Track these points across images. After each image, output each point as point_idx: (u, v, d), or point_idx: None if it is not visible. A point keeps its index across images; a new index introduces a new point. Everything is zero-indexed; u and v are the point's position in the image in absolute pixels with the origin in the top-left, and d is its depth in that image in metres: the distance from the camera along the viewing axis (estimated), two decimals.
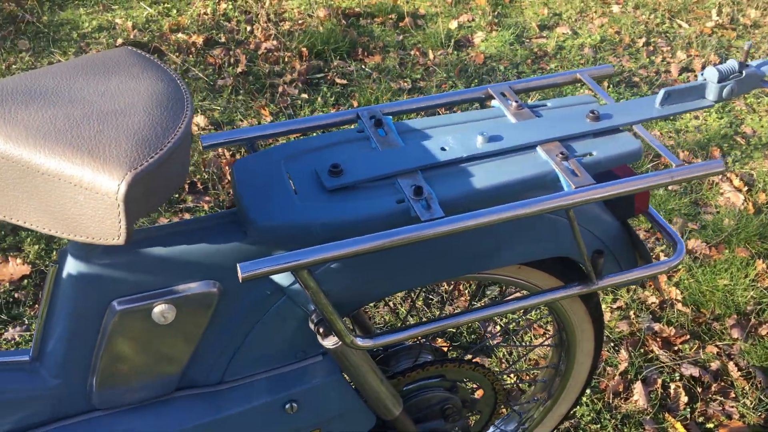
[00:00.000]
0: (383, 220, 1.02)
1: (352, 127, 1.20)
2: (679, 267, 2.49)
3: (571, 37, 3.83)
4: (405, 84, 3.33)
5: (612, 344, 2.25)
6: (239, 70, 3.24)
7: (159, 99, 0.88)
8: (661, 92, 1.19)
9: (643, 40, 3.83)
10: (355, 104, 3.12)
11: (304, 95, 3.17)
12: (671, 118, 2.49)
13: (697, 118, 3.27)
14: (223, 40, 3.46)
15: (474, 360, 1.45)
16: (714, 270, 2.49)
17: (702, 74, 1.22)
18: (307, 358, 1.16)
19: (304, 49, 3.41)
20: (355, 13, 3.86)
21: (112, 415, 1.09)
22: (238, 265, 0.90)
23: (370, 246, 0.95)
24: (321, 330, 1.09)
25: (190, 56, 3.30)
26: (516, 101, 1.21)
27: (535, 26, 3.89)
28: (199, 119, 2.92)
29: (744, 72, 1.20)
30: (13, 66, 3.06)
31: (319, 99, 3.13)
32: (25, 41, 3.25)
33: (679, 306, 2.38)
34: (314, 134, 1.28)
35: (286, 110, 3.06)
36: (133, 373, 1.06)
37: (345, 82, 3.29)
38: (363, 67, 3.42)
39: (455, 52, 3.61)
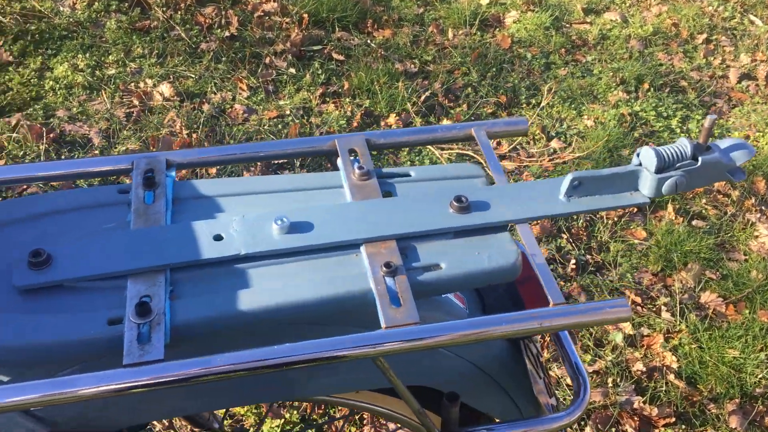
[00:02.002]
0: (83, 348, 0.69)
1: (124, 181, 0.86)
2: (675, 334, 2.06)
3: (620, 25, 3.32)
4: (412, 66, 2.93)
5: None
6: (227, 33, 2.91)
7: None
8: (568, 177, 0.80)
9: (704, 36, 3.29)
10: (346, 86, 2.75)
11: (292, 70, 2.81)
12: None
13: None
14: None
15: None
16: (725, 335, 2.06)
17: (637, 155, 0.82)
18: None
19: (305, 15, 3.04)
20: None
21: None
22: None
23: (23, 400, 0.62)
24: None
25: (178, 12, 2.98)
26: (361, 167, 0.85)
27: (580, 9, 3.39)
28: (165, 87, 2.62)
29: (700, 159, 0.80)
30: None
31: (308, 76, 2.78)
32: None
33: (672, 377, 1.97)
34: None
35: (266, 85, 2.72)
36: None
37: (342, 58, 2.91)
38: (369, 41, 3.03)
39: (479, 33, 3.17)
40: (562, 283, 2.18)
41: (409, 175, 0.87)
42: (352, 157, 0.87)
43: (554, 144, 2.65)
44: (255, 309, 0.71)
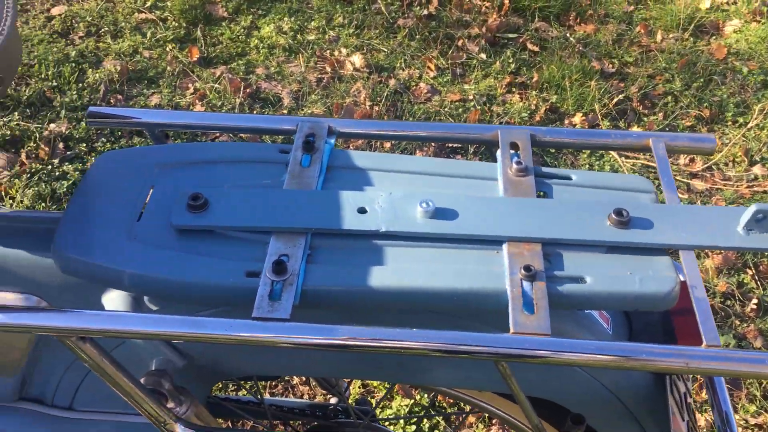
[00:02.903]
0: (221, 294, 0.72)
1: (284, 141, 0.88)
2: None
3: None
4: (610, 66, 2.77)
5: None
6: (425, 12, 2.93)
7: None
8: (752, 208, 0.71)
9: None
10: (535, 78, 2.66)
11: (483, 55, 2.77)
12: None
13: None
14: None
15: None
16: None
17: None
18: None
19: (506, 1, 2.97)
20: None
21: None
22: None
23: (155, 333, 0.67)
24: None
25: None
26: (519, 162, 0.80)
27: None
28: (357, 58, 2.69)
29: None
30: None
31: (498, 64, 2.72)
32: None
33: None
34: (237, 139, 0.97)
35: (454, 68, 2.71)
36: None
37: (537, 49, 2.82)
38: (568, 35, 2.91)
39: (691, 39, 2.93)
40: (737, 323, 1.97)
41: (570, 179, 0.81)
42: (512, 151, 0.83)
43: (757, 170, 2.40)
44: (386, 287, 0.70)
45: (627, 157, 2.43)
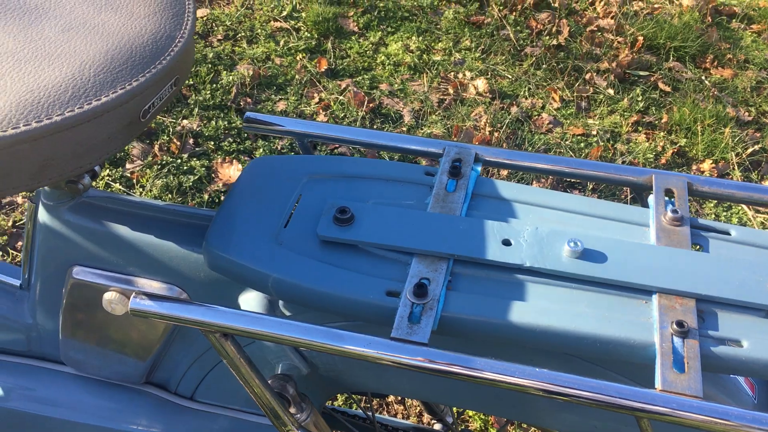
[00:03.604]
0: (359, 309, 0.72)
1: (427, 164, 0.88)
2: None
3: None
4: (746, 114, 2.64)
5: None
6: (554, 42, 2.89)
7: (116, 56, 0.70)
8: None
9: None
10: (664, 119, 2.57)
11: (611, 91, 2.70)
12: None
13: None
14: (555, 5, 3.10)
15: None
16: None
17: None
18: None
19: (640, 38, 2.89)
20: (731, 12, 3.16)
21: (75, 378, 1.01)
22: (131, 298, 0.71)
23: (296, 339, 0.68)
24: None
25: (513, 13, 3.03)
26: (675, 211, 0.77)
27: None
28: (480, 82, 2.68)
29: None
30: None
31: (625, 101, 2.65)
32: None
33: None
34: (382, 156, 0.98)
35: (579, 101, 2.65)
36: (93, 347, 0.95)
37: (669, 89, 2.72)
38: (703, 78, 2.79)
39: None
40: None
41: (729, 234, 0.77)
42: (666, 198, 0.80)
43: None
44: (526, 324, 0.68)
45: (757, 211, 2.30)
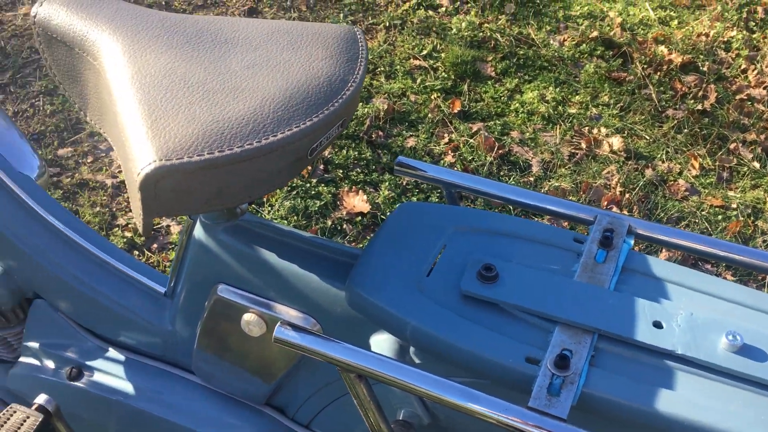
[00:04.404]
0: (495, 371, 0.71)
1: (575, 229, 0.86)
2: None
3: None
4: None
5: None
6: (699, 107, 2.78)
7: (294, 95, 0.74)
8: None
9: None
10: None
11: (756, 164, 2.56)
12: None
13: None
14: (704, 68, 2.99)
15: None
16: None
17: None
18: None
19: None
20: None
21: (201, 389, 1.05)
22: (277, 326, 0.73)
23: (433, 394, 0.68)
24: None
25: (657, 73, 2.95)
26: None
27: None
28: (616, 140, 2.61)
29: None
30: (488, 25, 3.15)
31: None
32: (511, 5, 3.31)
33: None
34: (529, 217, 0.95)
35: (721, 170, 2.53)
36: (224, 362, 0.99)
37: None
38: None
39: None
40: None
41: None
42: None
43: None
44: (673, 416, 0.65)
45: None
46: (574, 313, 0.73)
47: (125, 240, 2.14)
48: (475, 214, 0.86)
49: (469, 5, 3.29)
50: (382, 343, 0.85)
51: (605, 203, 2.38)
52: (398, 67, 2.94)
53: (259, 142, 0.69)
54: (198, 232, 0.92)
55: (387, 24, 3.13)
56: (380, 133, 2.63)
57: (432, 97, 2.80)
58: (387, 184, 2.39)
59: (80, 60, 0.81)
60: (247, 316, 0.90)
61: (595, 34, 3.13)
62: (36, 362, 1.14)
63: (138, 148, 0.67)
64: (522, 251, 0.81)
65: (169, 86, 0.73)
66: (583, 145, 2.62)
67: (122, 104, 0.72)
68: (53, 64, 0.84)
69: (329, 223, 2.26)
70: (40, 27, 0.82)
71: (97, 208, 2.23)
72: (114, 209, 2.24)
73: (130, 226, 2.18)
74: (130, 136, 0.69)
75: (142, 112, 0.70)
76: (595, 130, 2.70)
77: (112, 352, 1.10)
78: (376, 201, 2.34)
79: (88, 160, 2.39)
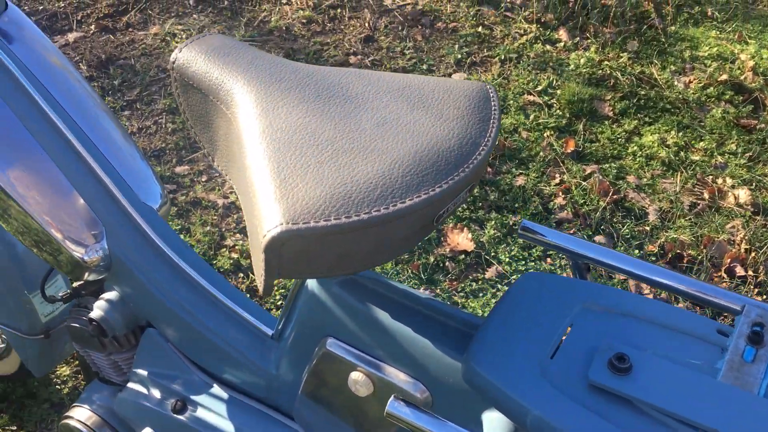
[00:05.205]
0: None
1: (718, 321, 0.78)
2: None
3: None
4: None
5: None
6: None
7: (423, 158, 0.70)
8: None
9: None
10: None
11: None
12: None
13: None
14: None
15: None
16: None
17: None
18: None
19: None
20: None
21: None
22: (390, 400, 0.70)
23: None
24: None
25: None
26: None
27: None
28: (742, 192, 2.45)
29: None
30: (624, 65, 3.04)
31: None
32: (634, 42, 3.19)
33: None
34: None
35: None
36: (326, 414, 0.97)
37: None
38: None
39: None
40: None
41: None
42: None
43: None
44: None
45: None
46: (719, 420, 0.65)
47: (231, 261, 2.18)
48: (606, 291, 0.80)
49: (588, 41, 3.19)
50: (494, 421, 0.80)
51: (728, 260, 2.22)
52: (511, 102, 2.88)
53: (387, 209, 0.66)
54: (311, 281, 0.91)
55: (502, 57, 3.08)
56: (489, 169, 2.57)
57: (545, 134, 2.72)
58: (493, 223, 2.34)
59: (213, 108, 0.81)
60: (355, 375, 0.87)
61: (724, 77, 2.96)
62: (143, 390, 1.15)
63: (266, 208, 0.66)
64: (658, 340, 0.74)
65: (299, 143, 0.71)
66: (706, 196, 2.47)
67: (252, 158, 0.71)
68: (187, 108, 0.85)
69: (432, 259, 2.22)
70: (177, 72, 0.83)
71: (208, 228, 2.29)
72: (223, 229, 2.29)
73: (237, 247, 2.22)
74: (258, 194, 0.68)
75: (271, 170, 0.69)
76: (719, 180, 2.54)
77: (217, 389, 1.10)
78: (481, 240, 2.28)
79: (203, 179, 2.46)
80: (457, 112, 0.78)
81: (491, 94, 0.82)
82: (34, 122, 1.10)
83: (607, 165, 2.60)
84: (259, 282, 0.69)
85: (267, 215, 0.65)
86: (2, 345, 1.70)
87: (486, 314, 1.29)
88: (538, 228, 0.89)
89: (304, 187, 0.67)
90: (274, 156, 0.70)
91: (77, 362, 1.87)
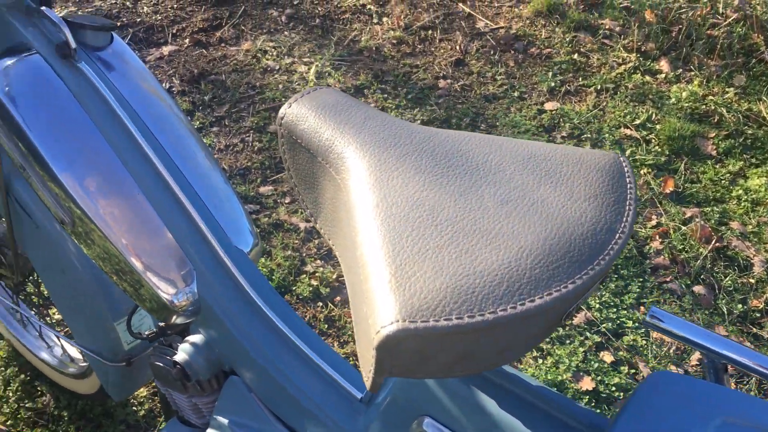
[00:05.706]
0: None
1: None
2: None
3: None
4: None
5: None
6: None
7: (554, 247, 0.63)
8: None
9: None
10: None
11: None
12: None
13: None
14: None
15: None
16: None
17: None
18: None
19: None
20: None
21: None
22: None
23: None
24: None
25: None
26: None
27: None
28: None
29: None
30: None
31: None
32: (741, 77, 3.00)
33: None
34: None
35: None
36: None
37: None
38: None
39: None
40: None
41: None
42: None
43: None
44: None
45: None
46: None
47: (311, 289, 2.15)
48: (752, 402, 0.70)
49: (692, 73, 3.02)
50: None
51: None
52: (606, 134, 2.75)
53: (514, 308, 0.59)
54: None
55: (598, 87, 2.95)
56: None
57: (641, 172, 2.58)
58: None
59: (321, 170, 0.76)
60: None
61: None
62: None
63: (380, 299, 0.60)
64: None
65: (416, 222, 0.65)
66: None
67: (364, 235, 0.65)
68: (292, 166, 0.81)
69: None
70: (285, 129, 0.79)
71: (288, 252, 2.26)
72: (304, 254, 2.26)
73: (317, 274, 2.18)
74: (371, 279, 0.62)
75: (386, 253, 0.63)
76: None
77: None
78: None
79: (286, 201, 2.44)
80: (589, 189, 0.70)
81: (625, 169, 0.74)
82: (129, 155, 1.08)
83: (709, 208, 2.44)
84: (366, 378, 0.63)
85: (381, 308, 0.59)
86: (84, 364, 1.71)
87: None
88: (668, 316, 0.80)
89: (422, 277, 0.60)
90: (389, 236, 0.64)
91: (154, 384, 1.87)
